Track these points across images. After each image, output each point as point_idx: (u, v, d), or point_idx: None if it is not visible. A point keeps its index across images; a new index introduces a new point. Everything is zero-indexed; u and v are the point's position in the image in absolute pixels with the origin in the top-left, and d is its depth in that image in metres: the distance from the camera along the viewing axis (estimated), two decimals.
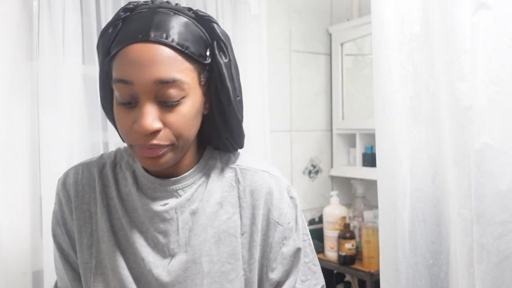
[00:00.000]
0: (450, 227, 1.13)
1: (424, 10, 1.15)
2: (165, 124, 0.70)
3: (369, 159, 1.92)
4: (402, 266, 1.17)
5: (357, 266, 1.82)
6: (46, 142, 1.31)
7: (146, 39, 0.68)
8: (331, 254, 1.90)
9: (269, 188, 0.83)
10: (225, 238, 0.80)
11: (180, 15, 0.72)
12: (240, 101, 0.81)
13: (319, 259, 1.90)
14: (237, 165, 0.84)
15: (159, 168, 0.74)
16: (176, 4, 0.78)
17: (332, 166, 2.13)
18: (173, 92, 0.69)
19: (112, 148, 1.49)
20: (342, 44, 2.05)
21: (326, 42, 2.10)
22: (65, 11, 1.35)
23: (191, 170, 0.81)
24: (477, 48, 1.00)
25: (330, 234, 1.90)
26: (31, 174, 1.32)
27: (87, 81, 1.46)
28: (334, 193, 1.96)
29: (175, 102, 0.70)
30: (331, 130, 2.11)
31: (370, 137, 1.96)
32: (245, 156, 0.87)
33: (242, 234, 0.81)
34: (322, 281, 0.88)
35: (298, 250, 0.84)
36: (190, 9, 0.76)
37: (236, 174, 0.83)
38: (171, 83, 0.68)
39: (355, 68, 2.09)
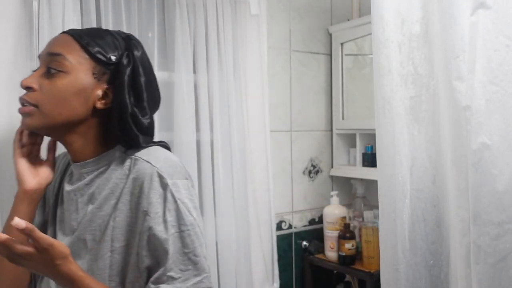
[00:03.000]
0: (450, 227, 1.13)
1: (424, 10, 1.15)
2: (40, 87, 0.88)
3: (369, 159, 1.92)
4: (402, 266, 1.17)
5: (357, 266, 1.82)
6: (46, 142, 1.31)
7: (64, 32, 0.94)
8: (331, 254, 1.90)
9: (144, 177, 0.88)
10: (107, 221, 0.90)
11: (106, 31, 0.96)
12: (145, 109, 0.93)
13: (319, 259, 1.92)
14: (135, 156, 0.92)
15: (27, 128, 0.93)
16: (118, 30, 1.01)
17: (332, 166, 2.13)
18: (55, 63, 0.88)
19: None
20: (342, 44, 2.05)
21: (326, 42, 2.10)
22: (65, 11, 1.35)
23: (96, 157, 0.94)
24: (476, 47, 1.00)
25: (330, 234, 1.90)
26: None
27: None
28: (334, 193, 1.96)
29: (54, 71, 0.88)
30: (331, 130, 2.11)
31: (370, 137, 1.96)
32: (151, 149, 0.94)
33: (114, 218, 0.90)
34: (204, 272, 0.88)
35: (165, 241, 0.85)
36: (124, 33, 0.98)
37: (131, 164, 0.91)
38: (56, 56, 0.89)
39: (355, 68, 2.08)
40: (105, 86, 0.92)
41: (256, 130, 1.79)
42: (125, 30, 1.51)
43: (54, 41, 0.93)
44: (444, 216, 1.15)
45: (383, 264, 1.22)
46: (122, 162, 0.93)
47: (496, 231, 0.97)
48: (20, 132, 0.99)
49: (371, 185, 1.97)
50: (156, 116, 1.63)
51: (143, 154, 0.92)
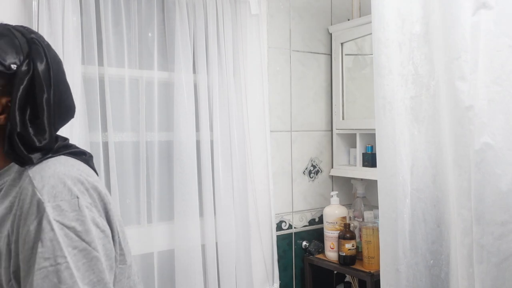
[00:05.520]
0: (451, 227, 1.12)
1: (425, 10, 1.15)
2: None
3: (369, 159, 1.92)
4: (402, 266, 1.17)
5: (357, 266, 1.82)
6: None
7: None
8: (331, 254, 1.90)
9: (25, 199, 0.76)
10: (4, 244, 0.78)
11: (8, 30, 0.81)
12: (42, 126, 0.81)
13: (320, 259, 1.91)
14: (28, 172, 0.79)
15: None
16: (25, 27, 0.86)
17: (332, 166, 2.12)
18: None
19: (112, 147, 1.49)
20: (342, 44, 2.05)
21: (326, 42, 2.10)
22: (65, 12, 1.35)
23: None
24: (478, 48, 1.00)
25: (330, 234, 1.90)
26: None
27: (86, 81, 1.46)
28: (334, 193, 1.96)
29: None
30: (331, 130, 2.11)
31: (370, 137, 1.96)
32: (45, 163, 0.81)
33: (11, 243, 0.78)
34: None
35: (32, 275, 0.73)
36: (29, 32, 0.84)
37: (22, 181, 0.80)
38: None
39: (355, 68, 2.08)
40: (5, 99, 0.79)
41: (256, 130, 1.79)
42: (124, 30, 1.50)
43: None
44: (445, 215, 1.15)
45: (383, 264, 1.22)
46: (19, 177, 0.81)
47: (500, 230, 0.97)
48: None
49: (371, 185, 1.97)
50: (156, 116, 1.65)
51: (33, 170, 0.79)
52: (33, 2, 1.32)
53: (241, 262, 1.71)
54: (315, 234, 2.04)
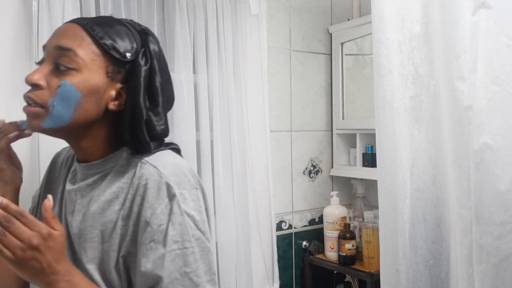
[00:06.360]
0: (451, 227, 1.12)
1: (425, 10, 1.15)
2: (48, 85, 0.79)
3: (369, 159, 1.92)
4: (402, 266, 1.17)
5: (357, 266, 1.82)
6: (46, 142, 1.31)
7: (72, 21, 0.83)
8: (331, 254, 1.90)
9: (149, 184, 0.79)
10: (111, 229, 0.82)
11: (119, 21, 0.85)
12: (159, 114, 0.85)
13: (320, 259, 1.91)
14: (143, 160, 0.83)
15: (33, 130, 0.84)
16: (131, 19, 0.90)
17: (332, 166, 2.12)
18: (65, 59, 0.78)
19: None
20: (342, 44, 2.05)
21: (326, 42, 2.10)
22: (65, 12, 1.35)
23: (102, 159, 0.86)
24: (477, 47, 1.00)
25: (330, 234, 1.90)
26: (30, 173, 1.32)
27: None
28: (334, 193, 1.96)
29: (64, 67, 0.78)
30: (331, 130, 2.11)
31: (370, 137, 1.96)
32: (160, 153, 0.85)
33: (119, 226, 0.82)
34: None
35: (162, 256, 0.77)
36: (139, 25, 0.88)
37: (136, 168, 0.83)
38: (65, 51, 0.79)
39: (355, 68, 2.08)
40: (118, 86, 0.83)
41: (256, 130, 1.78)
42: None
43: (62, 32, 0.82)
44: (445, 215, 1.15)
45: (383, 264, 1.22)
46: (128, 164, 0.84)
47: (499, 230, 0.97)
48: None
49: (371, 185, 1.97)
50: None
51: (150, 158, 0.83)
52: (33, 2, 1.32)
53: (241, 262, 1.71)
54: (315, 234, 2.04)
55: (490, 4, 0.99)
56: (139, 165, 0.82)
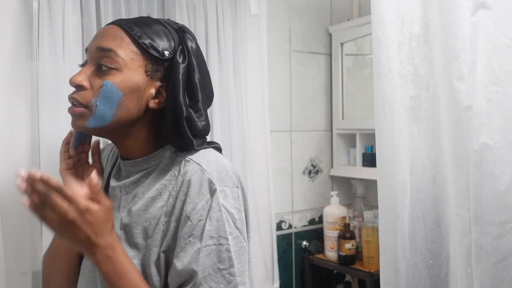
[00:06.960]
0: (450, 227, 1.13)
1: (424, 10, 1.15)
2: (91, 86, 0.82)
3: (369, 159, 1.92)
4: (402, 266, 1.17)
5: (357, 266, 1.82)
6: (46, 142, 1.31)
7: (112, 23, 0.86)
8: (331, 254, 1.90)
9: (192, 180, 0.81)
10: (155, 225, 0.83)
11: (157, 21, 0.87)
12: (200, 110, 0.86)
13: (319, 259, 1.92)
14: (187, 157, 0.85)
15: (78, 129, 0.85)
16: (168, 19, 0.92)
17: (332, 166, 2.13)
18: (106, 59, 0.81)
19: None
20: (342, 44, 2.05)
21: (326, 42, 2.10)
22: (65, 12, 1.35)
23: (146, 157, 0.88)
24: (477, 48, 1.00)
25: (330, 234, 1.90)
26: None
27: None
28: (334, 193, 1.96)
29: (106, 68, 0.81)
30: (331, 130, 2.11)
31: (370, 137, 1.96)
32: (203, 152, 0.87)
33: (163, 222, 0.83)
34: None
35: (198, 250, 0.78)
36: (176, 24, 0.90)
37: (180, 165, 0.85)
38: (106, 51, 0.81)
39: (355, 68, 2.09)
40: (158, 84, 0.85)
41: (256, 130, 1.79)
42: None
43: (102, 34, 0.85)
44: (444, 215, 1.15)
45: (383, 264, 1.23)
46: (172, 162, 0.86)
47: (498, 230, 0.97)
48: (66, 143, 0.94)
49: (371, 185, 1.97)
50: None
51: (194, 156, 0.85)
52: (34, 2, 1.33)
53: None
54: (315, 234, 2.05)
55: (489, 5, 0.99)
56: (183, 163, 0.84)
